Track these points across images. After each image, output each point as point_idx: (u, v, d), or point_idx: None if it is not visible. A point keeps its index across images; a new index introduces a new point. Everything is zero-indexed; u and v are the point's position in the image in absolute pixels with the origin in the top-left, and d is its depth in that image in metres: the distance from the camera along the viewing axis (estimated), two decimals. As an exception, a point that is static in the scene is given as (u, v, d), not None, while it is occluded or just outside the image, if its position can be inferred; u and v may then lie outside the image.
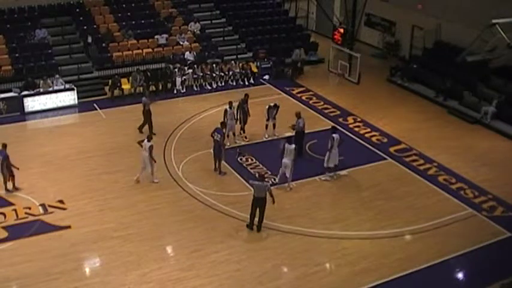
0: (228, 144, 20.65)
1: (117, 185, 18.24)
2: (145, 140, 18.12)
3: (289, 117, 22.41)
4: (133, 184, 18.25)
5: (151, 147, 17.89)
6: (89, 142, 21.24)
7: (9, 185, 17.75)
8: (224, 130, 19.40)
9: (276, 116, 21.39)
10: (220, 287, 14.08)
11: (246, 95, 21.71)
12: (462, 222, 16.91)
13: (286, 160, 17.91)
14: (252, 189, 16.10)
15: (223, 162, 19.20)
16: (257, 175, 16.91)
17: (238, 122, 21.28)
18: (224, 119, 20.36)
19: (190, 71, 26.51)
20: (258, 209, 15.86)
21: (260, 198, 15.72)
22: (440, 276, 14.70)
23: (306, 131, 21.10)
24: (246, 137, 21.43)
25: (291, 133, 20.34)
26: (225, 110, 20.64)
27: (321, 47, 31.20)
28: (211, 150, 19.30)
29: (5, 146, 17.65)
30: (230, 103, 20.72)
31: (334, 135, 18.50)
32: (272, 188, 18.06)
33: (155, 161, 18.29)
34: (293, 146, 17.89)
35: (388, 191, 18.42)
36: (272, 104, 21.49)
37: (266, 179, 16.38)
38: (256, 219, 16.03)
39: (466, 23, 25.11)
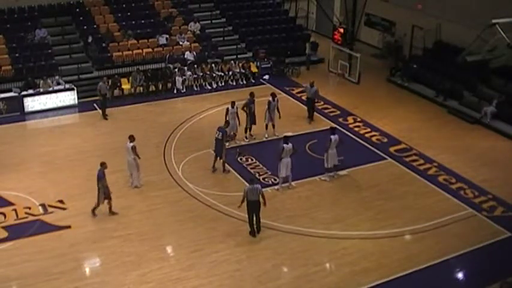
0: (228, 144, 20.64)
1: (117, 185, 18.18)
2: (128, 142, 17.70)
3: (289, 118, 22.45)
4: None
5: (133, 148, 17.57)
6: (89, 142, 21.24)
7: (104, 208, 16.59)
8: (227, 129, 19.41)
9: (278, 107, 21.21)
10: (220, 287, 14.09)
11: (252, 94, 21.50)
12: (462, 222, 16.91)
13: (287, 159, 17.90)
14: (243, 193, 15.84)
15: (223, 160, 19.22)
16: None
17: (245, 123, 21.17)
18: (225, 118, 20.35)
19: (189, 72, 26.50)
20: (254, 214, 15.84)
21: (254, 202, 15.66)
22: (440, 276, 14.71)
23: (306, 131, 21.15)
24: (246, 137, 21.40)
25: (291, 133, 20.35)
26: (227, 109, 20.63)
27: (321, 47, 31.21)
28: (213, 150, 19.35)
29: (103, 164, 16.52)
30: (233, 103, 20.68)
31: (332, 136, 18.50)
32: (275, 187, 18.18)
33: (139, 157, 17.78)
34: (291, 145, 17.89)
35: (388, 191, 18.42)
36: (270, 98, 21.36)
37: (256, 183, 16.31)
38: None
39: (466, 23, 25.12)
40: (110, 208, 16.69)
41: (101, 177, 16.30)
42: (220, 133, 18.80)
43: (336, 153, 18.51)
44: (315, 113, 23.62)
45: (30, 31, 26.83)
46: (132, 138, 17.78)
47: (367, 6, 28.39)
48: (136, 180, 18.11)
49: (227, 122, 19.76)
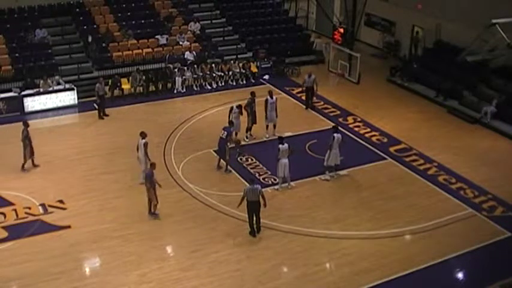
0: (228, 144, 20.64)
1: (117, 185, 18.23)
2: (140, 139, 17.89)
3: (289, 118, 22.45)
4: (133, 184, 18.22)
5: (145, 145, 17.70)
6: (89, 142, 21.24)
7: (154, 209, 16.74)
8: (232, 129, 19.48)
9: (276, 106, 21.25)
10: (220, 287, 14.09)
11: (253, 93, 21.52)
12: (462, 222, 16.90)
13: (284, 160, 17.91)
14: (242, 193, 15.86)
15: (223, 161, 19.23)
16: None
17: (247, 123, 21.21)
18: (229, 117, 20.34)
19: (189, 73, 26.50)
20: (254, 214, 15.84)
21: (254, 202, 15.67)
22: (440, 276, 14.71)
23: (306, 131, 21.09)
24: (246, 137, 21.40)
25: (291, 133, 20.38)
26: (231, 108, 20.64)
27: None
28: (214, 149, 19.36)
29: (153, 165, 16.75)
30: (239, 106, 20.68)
31: (335, 134, 18.51)
32: (275, 187, 18.19)
33: (149, 160, 17.81)
34: (286, 145, 17.92)
35: (388, 191, 18.42)
36: (268, 97, 21.37)
37: (257, 184, 16.33)
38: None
39: (466, 23, 25.12)
40: (150, 209, 16.70)
41: (149, 177, 16.35)
42: (225, 132, 18.84)
43: (339, 152, 18.52)
44: (315, 114, 23.68)
45: (30, 31, 26.83)
46: (143, 134, 17.88)
47: (367, 6, 28.37)
48: (142, 176, 18.12)
49: (231, 122, 19.78)
